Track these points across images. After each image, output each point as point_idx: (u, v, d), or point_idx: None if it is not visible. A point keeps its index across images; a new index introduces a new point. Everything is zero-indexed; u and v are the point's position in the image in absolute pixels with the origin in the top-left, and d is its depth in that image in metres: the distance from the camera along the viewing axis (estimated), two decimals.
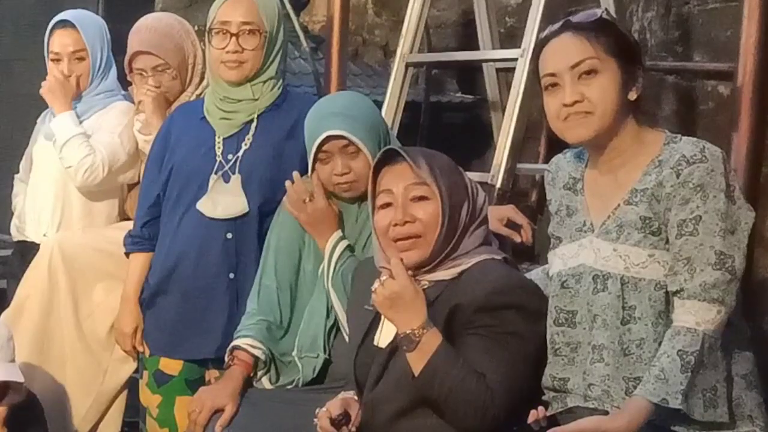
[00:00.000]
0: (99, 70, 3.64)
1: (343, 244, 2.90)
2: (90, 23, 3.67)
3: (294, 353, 2.91)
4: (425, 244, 2.48)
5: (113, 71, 3.68)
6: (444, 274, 2.50)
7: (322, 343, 2.89)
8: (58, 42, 3.62)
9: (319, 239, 2.93)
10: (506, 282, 2.45)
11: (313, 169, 2.91)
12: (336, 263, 2.89)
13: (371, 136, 2.85)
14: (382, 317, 2.54)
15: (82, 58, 3.61)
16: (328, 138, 2.83)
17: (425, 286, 2.47)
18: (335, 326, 2.90)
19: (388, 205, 2.52)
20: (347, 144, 2.83)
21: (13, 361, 3.06)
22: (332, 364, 2.90)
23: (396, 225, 2.49)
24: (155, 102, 3.46)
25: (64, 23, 3.62)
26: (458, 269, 2.49)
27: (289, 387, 2.91)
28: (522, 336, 2.41)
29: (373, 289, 2.43)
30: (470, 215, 2.53)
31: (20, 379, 3.01)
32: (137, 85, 3.50)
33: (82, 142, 3.50)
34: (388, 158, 2.54)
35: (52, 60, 3.63)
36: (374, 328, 2.59)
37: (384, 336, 2.55)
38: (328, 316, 2.90)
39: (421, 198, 2.49)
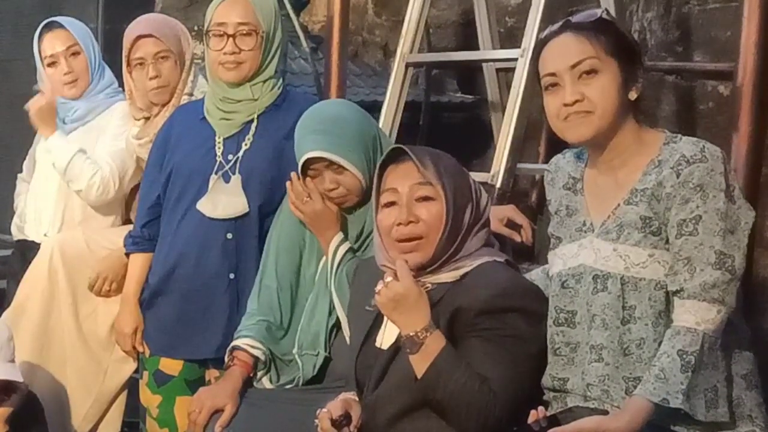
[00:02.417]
0: (95, 67, 3.63)
1: (346, 246, 2.90)
2: (75, 22, 3.69)
3: (294, 350, 2.92)
4: (428, 245, 2.48)
5: (108, 69, 3.68)
6: (446, 276, 2.49)
7: (323, 341, 2.90)
8: (49, 44, 3.62)
9: (321, 239, 2.94)
10: (508, 285, 2.45)
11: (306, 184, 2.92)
12: (338, 265, 2.89)
13: (355, 149, 2.84)
14: (384, 318, 2.54)
15: (76, 53, 3.61)
16: (312, 157, 2.84)
17: (428, 289, 2.47)
18: (336, 325, 2.90)
19: (392, 203, 2.52)
20: (331, 161, 2.83)
21: (12, 361, 3.07)
22: (332, 363, 2.90)
23: (400, 225, 2.49)
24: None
25: (50, 25, 3.63)
26: (461, 271, 2.49)
27: (289, 386, 2.91)
28: (524, 339, 2.41)
29: (376, 291, 2.42)
30: (474, 217, 2.53)
31: (19, 378, 3.01)
32: (136, 80, 3.49)
33: (84, 160, 3.49)
34: (394, 157, 2.54)
35: (49, 65, 3.63)
36: (376, 328, 2.59)
37: (386, 337, 2.55)
38: (330, 314, 2.90)
39: (426, 198, 2.49)
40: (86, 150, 3.56)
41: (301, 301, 2.97)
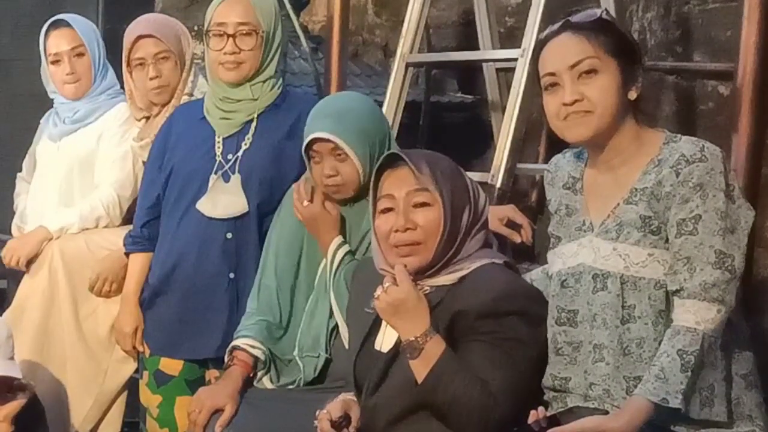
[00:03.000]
0: (98, 68, 3.64)
1: (344, 248, 2.90)
2: (83, 21, 3.69)
3: (295, 353, 2.91)
4: (426, 250, 2.47)
5: (111, 70, 3.68)
6: (445, 279, 2.49)
7: (323, 343, 2.89)
8: (54, 43, 3.62)
9: (320, 242, 2.94)
10: (508, 288, 2.44)
11: (310, 168, 2.91)
12: (337, 268, 2.88)
13: (361, 142, 2.83)
14: (382, 321, 2.53)
15: (81, 54, 3.62)
16: (317, 139, 2.83)
17: (426, 291, 2.46)
18: (337, 326, 2.90)
19: (389, 210, 2.52)
20: (335, 147, 2.83)
21: (12, 358, 3.07)
22: (332, 364, 2.90)
23: (397, 231, 2.48)
24: None
25: (57, 23, 3.63)
26: (459, 274, 2.48)
27: (290, 387, 2.91)
28: (524, 341, 2.40)
29: (375, 296, 2.42)
30: (472, 219, 2.52)
31: (19, 375, 3.01)
32: (136, 80, 3.50)
33: (83, 210, 3.49)
34: (390, 162, 2.54)
35: (53, 62, 3.63)
36: (375, 331, 2.59)
37: (385, 340, 2.55)
38: (330, 316, 2.90)
39: (423, 204, 2.48)
40: (87, 149, 3.58)
41: (300, 301, 2.97)
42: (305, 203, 2.92)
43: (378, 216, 2.54)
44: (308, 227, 2.94)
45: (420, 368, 2.37)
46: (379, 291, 2.42)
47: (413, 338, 2.37)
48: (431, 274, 2.49)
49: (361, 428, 2.53)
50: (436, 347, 2.36)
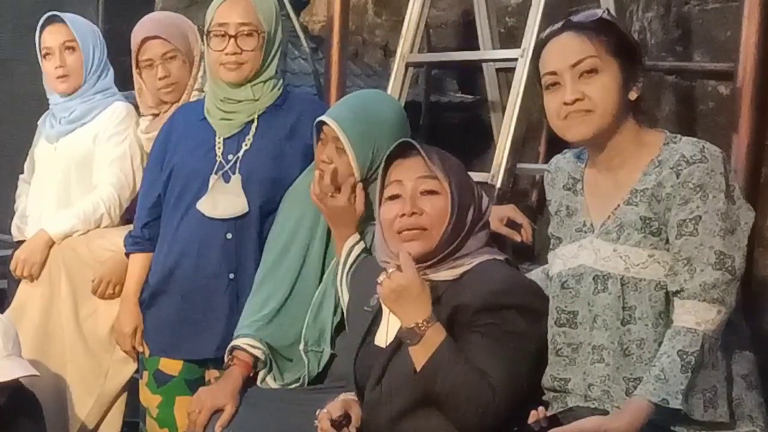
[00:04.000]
0: (93, 65, 3.63)
1: (361, 246, 2.89)
2: (79, 20, 3.69)
3: (300, 346, 2.91)
4: (430, 237, 2.48)
5: (111, 72, 3.68)
6: (446, 274, 2.49)
7: (328, 338, 2.90)
8: (48, 37, 3.63)
9: (336, 235, 2.92)
10: (508, 282, 2.45)
11: (315, 146, 2.92)
12: (351, 264, 2.87)
13: (365, 145, 2.83)
14: (382, 317, 2.54)
15: (72, 48, 3.61)
16: (324, 123, 2.86)
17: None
18: (341, 323, 2.89)
19: (396, 197, 2.52)
20: (338, 138, 2.83)
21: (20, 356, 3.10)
22: (334, 362, 2.89)
23: (403, 215, 2.49)
24: None
25: (53, 19, 3.64)
26: (460, 270, 2.49)
27: (294, 384, 2.90)
28: (523, 335, 2.41)
29: (379, 281, 2.42)
30: (475, 217, 2.54)
31: (36, 373, 3.04)
32: (146, 80, 3.50)
33: (83, 210, 3.49)
34: (401, 151, 2.55)
35: (44, 57, 3.64)
36: (374, 328, 2.59)
37: (385, 336, 2.55)
38: (335, 312, 2.90)
39: (431, 192, 2.49)
40: (84, 150, 3.58)
41: (303, 288, 2.95)
42: (329, 195, 2.86)
43: (384, 203, 2.55)
44: (328, 218, 2.91)
45: (419, 355, 2.37)
46: (382, 277, 2.42)
47: (414, 324, 2.37)
48: (432, 266, 2.49)
49: (362, 425, 2.53)
50: (436, 335, 2.37)
